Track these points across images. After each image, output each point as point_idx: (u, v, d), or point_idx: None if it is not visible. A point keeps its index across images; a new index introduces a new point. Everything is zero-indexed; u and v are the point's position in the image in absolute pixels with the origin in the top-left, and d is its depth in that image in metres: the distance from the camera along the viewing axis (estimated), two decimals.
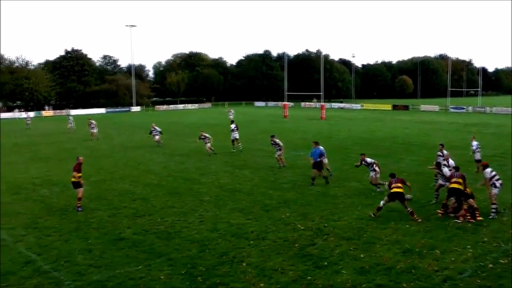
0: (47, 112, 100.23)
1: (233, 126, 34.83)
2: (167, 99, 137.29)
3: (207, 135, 32.84)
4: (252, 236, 15.31)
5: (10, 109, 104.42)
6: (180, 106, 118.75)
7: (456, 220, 16.29)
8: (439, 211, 17.21)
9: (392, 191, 16.84)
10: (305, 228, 15.96)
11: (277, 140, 27.70)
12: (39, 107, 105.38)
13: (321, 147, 23.34)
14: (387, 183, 18.14)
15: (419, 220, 16.36)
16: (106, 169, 28.17)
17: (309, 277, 11.97)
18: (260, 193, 21.38)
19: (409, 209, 16.80)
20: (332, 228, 15.91)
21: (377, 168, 21.00)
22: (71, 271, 12.74)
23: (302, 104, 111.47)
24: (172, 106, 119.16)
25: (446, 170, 18.68)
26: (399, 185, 16.93)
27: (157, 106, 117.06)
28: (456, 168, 18.13)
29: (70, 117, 54.99)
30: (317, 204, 19.05)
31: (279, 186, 22.68)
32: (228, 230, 15.92)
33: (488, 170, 17.17)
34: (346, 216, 17.29)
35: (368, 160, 21.26)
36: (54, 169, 28.47)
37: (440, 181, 19.01)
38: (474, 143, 26.54)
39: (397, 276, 11.95)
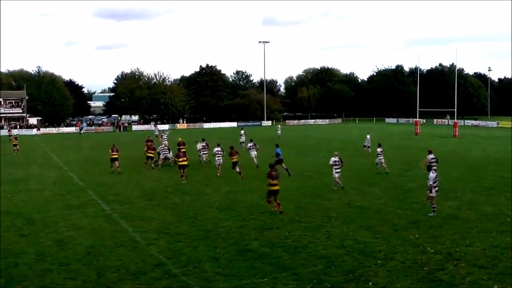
0: (181, 125, 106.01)
1: (250, 144, 36.52)
2: (297, 114, 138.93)
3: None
4: (380, 255, 14.93)
5: (146, 122, 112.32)
6: (311, 121, 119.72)
7: None
8: None
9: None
10: (435, 251, 15.23)
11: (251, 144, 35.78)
12: (173, 120, 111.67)
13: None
14: None
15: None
16: (236, 181, 29.03)
17: None
18: (388, 212, 20.83)
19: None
20: (464, 253, 14.98)
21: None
22: (198, 277, 13.28)
23: (435, 121, 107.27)
24: (302, 121, 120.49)
25: None
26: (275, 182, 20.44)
27: (287, 121, 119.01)
28: None
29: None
30: (447, 227, 18.09)
31: (409, 205, 21.90)
32: (355, 248, 15.67)
33: None
34: (479, 242, 16.19)
35: None
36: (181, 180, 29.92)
37: None
38: None
39: None
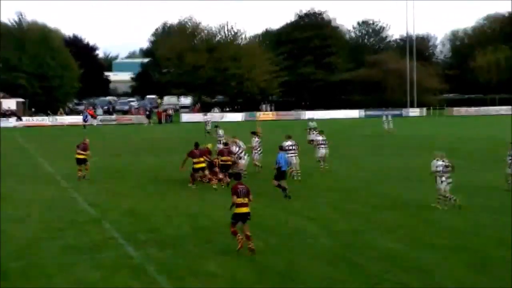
0: (265, 115, 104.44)
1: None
2: (470, 96, 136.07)
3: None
4: None
5: (205, 108, 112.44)
6: (493, 109, 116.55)
7: None
8: None
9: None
10: None
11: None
12: (252, 106, 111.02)
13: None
14: None
15: None
16: (353, 213, 28.94)
17: None
18: None
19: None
20: None
21: None
22: None
23: None
24: (474, 108, 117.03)
25: None
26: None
27: (455, 108, 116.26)
28: None
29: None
30: None
31: None
32: None
33: None
34: None
35: None
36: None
37: None
38: None
39: None
